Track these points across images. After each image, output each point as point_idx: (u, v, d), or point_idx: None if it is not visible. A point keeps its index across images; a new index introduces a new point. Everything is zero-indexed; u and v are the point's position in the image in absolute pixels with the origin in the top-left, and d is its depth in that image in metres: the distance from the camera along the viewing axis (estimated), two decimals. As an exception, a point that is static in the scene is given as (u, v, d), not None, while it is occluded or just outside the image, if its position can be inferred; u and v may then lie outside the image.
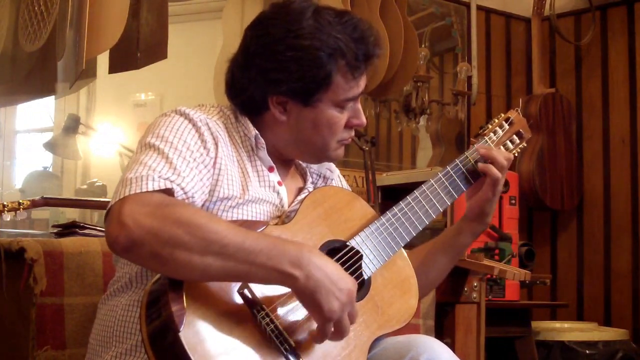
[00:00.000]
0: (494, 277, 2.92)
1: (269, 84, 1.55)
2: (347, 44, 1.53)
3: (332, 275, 1.35)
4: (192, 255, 1.29)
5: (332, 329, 1.38)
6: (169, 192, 1.39)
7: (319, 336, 1.38)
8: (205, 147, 1.49)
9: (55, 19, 3.00)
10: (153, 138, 1.47)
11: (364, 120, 1.62)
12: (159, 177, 1.39)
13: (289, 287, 1.36)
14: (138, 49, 3.07)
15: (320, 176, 1.76)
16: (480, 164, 1.70)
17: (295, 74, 1.52)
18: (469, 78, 4.29)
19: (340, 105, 1.57)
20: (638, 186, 4.22)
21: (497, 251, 3.29)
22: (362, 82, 1.59)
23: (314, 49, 1.51)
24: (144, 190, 1.36)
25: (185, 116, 1.52)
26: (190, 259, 1.29)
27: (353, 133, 1.64)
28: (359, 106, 1.61)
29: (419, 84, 4.02)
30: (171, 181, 1.40)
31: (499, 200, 3.42)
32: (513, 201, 3.55)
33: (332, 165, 1.80)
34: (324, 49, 1.51)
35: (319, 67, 1.52)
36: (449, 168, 1.71)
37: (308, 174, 1.73)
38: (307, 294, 1.34)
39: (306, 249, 1.37)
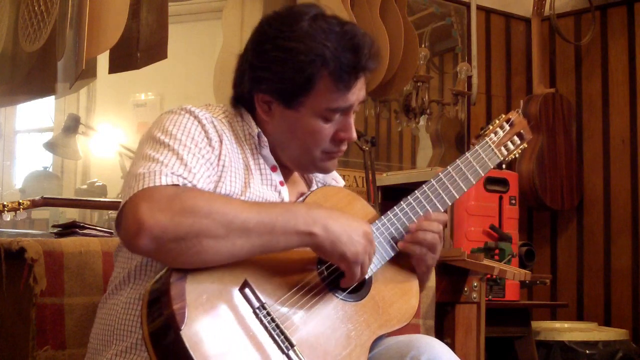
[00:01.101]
0: (494, 277, 2.92)
1: (255, 81, 1.55)
2: (335, 53, 1.50)
3: (345, 223, 1.44)
4: (217, 239, 1.33)
5: (359, 271, 1.45)
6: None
7: (348, 281, 1.47)
8: (210, 145, 1.50)
9: (55, 19, 3.00)
10: (162, 134, 1.48)
11: (353, 135, 1.58)
12: (172, 173, 1.40)
13: (309, 245, 1.41)
14: (138, 49, 3.07)
15: (325, 185, 1.75)
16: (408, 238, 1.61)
17: (277, 75, 1.52)
18: (469, 78, 4.29)
19: (324, 115, 1.54)
20: (638, 186, 4.22)
21: (497, 251, 3.29)
22: (352, 96, 1.54)
23: (297, 53, 1.50)
24: (157, 184, 1.37)
25: (191, 113, 1.53)
26: (215, 243, 1.33)
27: (344, 147, 1.61)
28: (350, 120, 1.58)
29: (419, 84, 4.02)
30: (184, 178, 1.41)
31: (499, 201, 3.47)
32: (513, 201, 3.55)
33: (338, 177, 1.80)
34: (307, 53, 1.50)
35: (298, 71, 1.50)
36: (449, 168, 1.70)
37: (314, 182, 1.73)
38: (328, 247, 1.41)
39: (314, 206, 1.45)
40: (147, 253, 1.38)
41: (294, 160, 1.63)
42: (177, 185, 1.39)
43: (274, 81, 1.53)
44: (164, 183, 1.37)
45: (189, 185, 1.41)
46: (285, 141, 1.59)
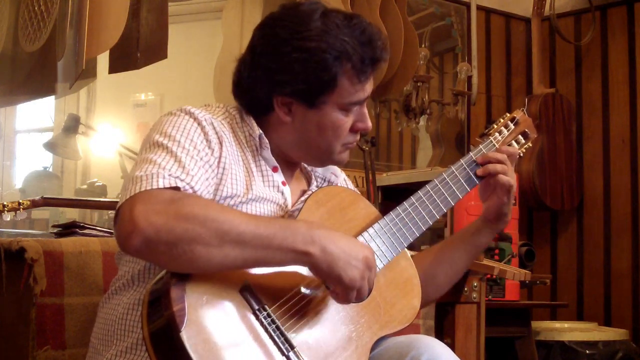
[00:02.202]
0: (494, 277, 2.92)
1: (274, 84, 1.55)
2: (355, 47, 1.52)
3: (345, 246, 1.40)
4: (209, 247, 1.31)
5: (354, 296, 1.42)
6: (178, 190, 1.39)
7: (340, 302, 1.44)
8: (209, 147, 1.49)
9: (55, 19, 3.00)
10: (161, 136, 1.47)
11: (369, 124, 1.61)
12: (169, 175, 1.39)
13: (305, 264, 1.39)
14: (138, 49, 3.07)
15: (325, 180, 1.75)
16: (481, 170, 1.70)
17: (300, 76, 1.52)
18: (469, 78, 4.29)
19: (345, 109, 1.57)
20: (638, 186, 4.22)
21: (497, 251, 3.29)
22: (369, 86, 1.58)
23: (320, 51, 1.51)
24: (154, 187, 1.36)
25: (191, 115, 1.52)
26: (207, 251, 1.31)
27: (358, 137, 1.63)
28: (365, 110, 1.61)
29: (419, 84, 4.02)
30: (181, 180, 1.40)
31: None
32: (513, 201, 3.54)
33: (337, 170, 1.80)
34: (330, 51, 1.51)
35: (324, 70, 1.51)
36: (453, 168, 1.71)
37: (313, 177, 1.73)
38: (325, 268, 1.38)
39: (315, 225, 1.41)
40: (139, 254, 1.37)
41: (312, 157, 1.63)
42: (176, 187, 1.38)
43: (296, 82, 1.53)
44: (161, 186, 1.37)
45: (187, 187, 1.40)
46: (307, 140, 1.59)
